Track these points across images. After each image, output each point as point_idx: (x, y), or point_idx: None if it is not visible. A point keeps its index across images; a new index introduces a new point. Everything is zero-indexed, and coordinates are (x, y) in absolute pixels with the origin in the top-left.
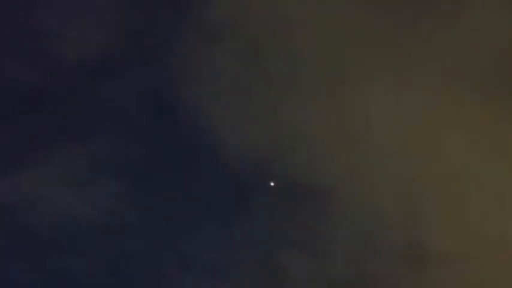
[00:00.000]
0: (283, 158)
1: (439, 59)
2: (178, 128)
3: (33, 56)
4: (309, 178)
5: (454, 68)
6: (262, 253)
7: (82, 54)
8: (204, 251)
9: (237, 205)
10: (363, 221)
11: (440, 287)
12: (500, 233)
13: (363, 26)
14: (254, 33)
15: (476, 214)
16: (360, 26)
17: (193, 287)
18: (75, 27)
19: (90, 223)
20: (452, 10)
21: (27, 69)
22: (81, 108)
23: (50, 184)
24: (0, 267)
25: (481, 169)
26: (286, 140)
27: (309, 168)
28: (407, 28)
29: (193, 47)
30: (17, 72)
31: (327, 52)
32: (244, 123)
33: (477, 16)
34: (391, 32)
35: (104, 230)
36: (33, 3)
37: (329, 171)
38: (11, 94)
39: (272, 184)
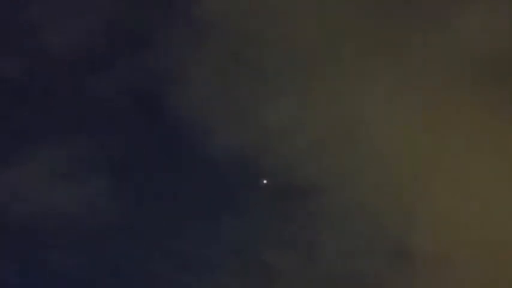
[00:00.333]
0: (273, 157)
1: (438, 59)
2: (167, 124)
3: (18, 50)
4: (300, 177)
5: (453, 68)
6: (251, 251)
7: (69, 49)
8: (192, 249)
9: (225, 203)
10: (353, 221)
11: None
12: (493, 235)
13: (352, 21)
14: (244, 30)
15: (469, 216)
16: (352, 22)
17: (181, 284)
18: (61, 21)
19: (77, 219)
20: (452, 9)
21: (11, 64)
22: (67, 104)
23: (36, 180)
24: None
25: (475, 171)
26: (277, 138)
27: (300, 167)
28: (406, 27)
29: (182, 43)
30: (1, 67)
31: (320, 49)
32: (233, 121)
33: (477, 16)
34: (388, 30)
35: (90, 227)
36: None
37: (321, 170)
38: None
39: (265, 182)
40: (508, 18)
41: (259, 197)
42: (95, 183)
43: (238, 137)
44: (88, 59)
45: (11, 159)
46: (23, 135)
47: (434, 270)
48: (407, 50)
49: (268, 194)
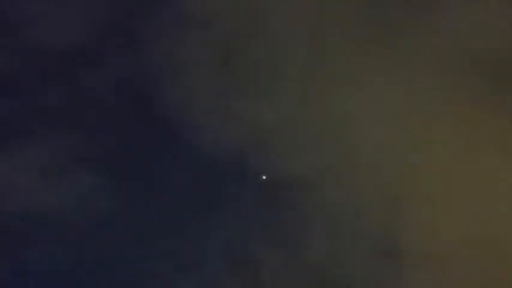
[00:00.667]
0: (266, 154)
1: (437, 59)
2: (161, 122)
3: (10, 47)
4: (290, 172)
5: (452, 68)
6: (240, 246)
7: (62, 47)
8: (182, 244)
9: (216, 198)
10: (342, 217)
11: (417, 286)
12: (492, 235)
13: (351, 20)
14: (236, 26)
15: (459, 215)
16: (350, 21)
17: (171, 280)
18: (53, 15)
19: (67, 215)
20: (451, 10)
21: (4, 61)
22: (59, 101)
23: (26, 175)
24: None
25: (475, 171)
26: (270, 136)
27: (290, 162)
28: (405, 27)
29: (174, 38)
30: None
31: (315, 48)
32: (224, 116)
33: (477, 16)
34: (386, 29)
35: (81, 222)
36: None
37: (310, 166)
38: None
39: (264, 177)
40: (508, 18)
41: (255, 194)
42: (88, 181)
43: (232, 134)
44: (81, 57)
45: (2, 156)
46: (13, 128)
47: (426, 269)
48: (406, 50)
49: (258, 189)
